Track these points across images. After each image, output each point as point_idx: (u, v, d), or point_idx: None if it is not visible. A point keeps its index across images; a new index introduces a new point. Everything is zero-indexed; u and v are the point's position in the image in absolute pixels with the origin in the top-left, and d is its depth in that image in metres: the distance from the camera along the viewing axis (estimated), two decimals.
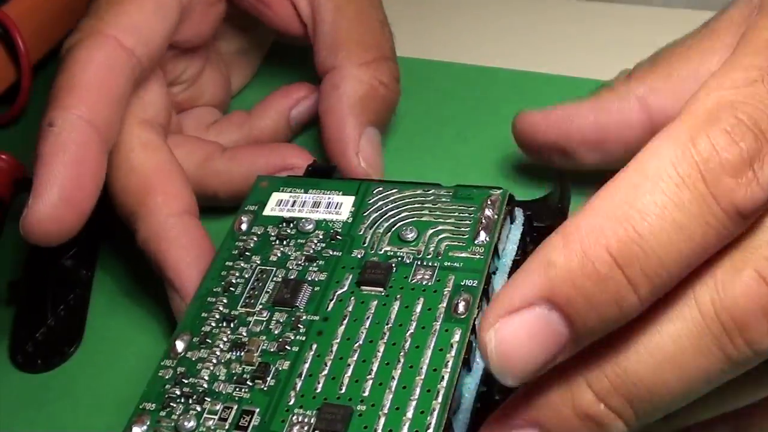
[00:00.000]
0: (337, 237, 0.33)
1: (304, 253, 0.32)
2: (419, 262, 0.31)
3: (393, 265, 0.31)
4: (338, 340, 0.30)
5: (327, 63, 0.40)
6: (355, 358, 0.29)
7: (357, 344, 0.29)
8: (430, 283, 0.30)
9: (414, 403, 0.27)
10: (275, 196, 0.35)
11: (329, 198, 0.34)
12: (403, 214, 0.33)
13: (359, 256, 0.32)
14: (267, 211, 0.34)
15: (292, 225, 0.33)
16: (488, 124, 0.42)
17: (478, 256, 0.31)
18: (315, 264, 0.32)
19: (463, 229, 0.32)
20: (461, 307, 0.29)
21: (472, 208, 0.32)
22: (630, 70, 0.35)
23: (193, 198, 0.36)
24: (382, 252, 0.32)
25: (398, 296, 0.30)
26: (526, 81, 0.43)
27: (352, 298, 0.31)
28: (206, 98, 0.43)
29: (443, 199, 0.33)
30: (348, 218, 0.33)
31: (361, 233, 0.33)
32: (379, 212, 0.33)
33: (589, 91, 0.36)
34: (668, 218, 0.23)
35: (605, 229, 0.23)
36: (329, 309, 0.30)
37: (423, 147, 0.42)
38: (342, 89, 0.39)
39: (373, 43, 0.40)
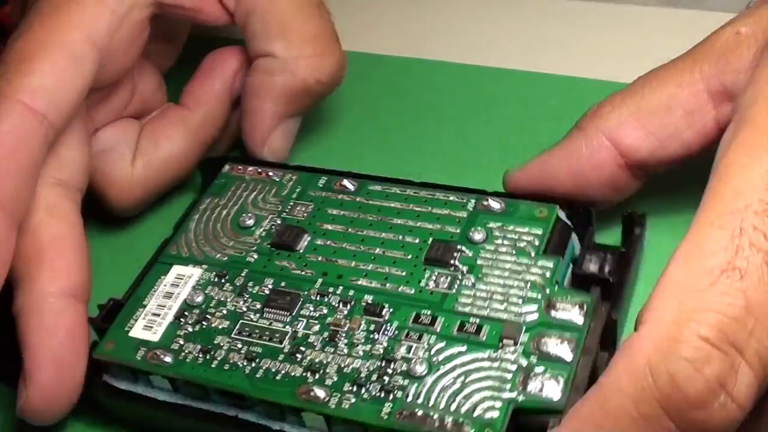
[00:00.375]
0: (222, 274, 0.33)
1: (228, 299, 0.32)
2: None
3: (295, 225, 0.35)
4: (354, 262, 0.33)
5: (262, 49, 0.37)
6: (376, 249, 0.33)
7: (363, 249, 0.33)
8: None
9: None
10: (133, 337, 0.32)
11: (166, 283, 0.33)
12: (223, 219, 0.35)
13: (255, 257, 0.34)
14: (156, 337, 0.32)
15: (186, 313, 0.32)
16: (488, 124, 0.41)
17: None
18: (248, 291, 0.33)
19: None
20: (349, 184, 0.35)
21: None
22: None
23: (85, 278, 0.33)
24: (259, 241, 0.34)
25: (319, 222, 0.34)
26: (526, 81, 0.41)
27: (296, 260, 0.33)
28: (144, 105, 0.40)
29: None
30: (205, 269, 0.34)
31: (226, 259, 0.34)
32: (202, 233, 0.35)
33: (588, 91, 0.36)
34: None
35: None
36: (305, 273, 0.33)
37: (423, 147, 0.40)
38: (274, 79, 0.37)
39: (315, 34, 0.37)
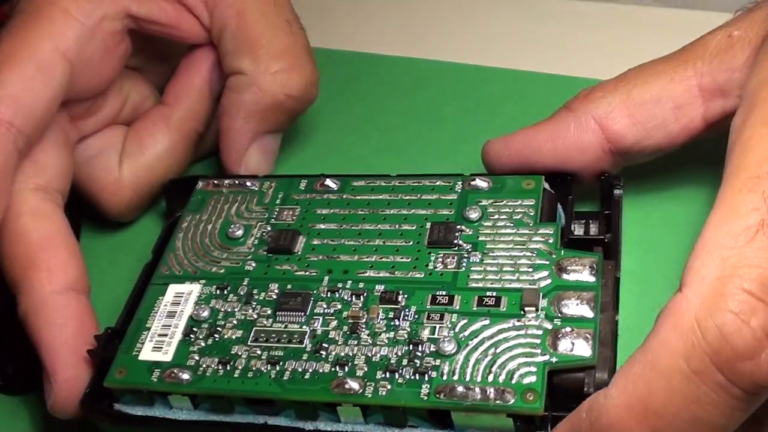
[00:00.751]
0: (224, 285, 0.33)
1: (236, 309, 0.32)
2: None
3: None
4: (357, 256, 0.33)
5: (233, 66, 0.37)
6: (376, 241, 0.33)
7: (363, 242, 0.33)
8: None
9: None
10: (144, 360, 0.31)
11: (165, 303, 0.33)
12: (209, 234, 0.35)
13: (253, 265, 0.33)
14: (169, 357, 0.31)
15: (195, 329, 0.32)
16: (488, 124, 0.40)
17: None
18: (255, 298, 0.32)
19: None
20: (331, 183, 0.35)
21: None
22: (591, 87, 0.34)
23: (81, 271, 0.34)
24: (253, 249, 0.34)
25: (311, 223, 0.34)
26: (526, 81, 0.41)
27: (297, 261, 0.33)
28: (135, 113, 0.40)
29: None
30: (203, 284, 0.33)
31: (223, 271, 0.34)
32: (192, 250, 0.34)
33: None
34: (687, 416, 0.24)
35: (626, 428, 0.25)
36: (310, 273, 0.33)
37: (423, 147, 0.40)
38: (243, 96, 0.36)
39: (283, 49, 0.36)
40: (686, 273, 0.25)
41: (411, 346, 0.30)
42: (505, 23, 0.47)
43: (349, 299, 0.31)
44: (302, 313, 0.31)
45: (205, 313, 0.32)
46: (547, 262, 0.31)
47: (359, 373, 0.29)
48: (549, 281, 0.30)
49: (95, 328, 0.33)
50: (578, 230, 0.34)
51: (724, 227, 0.25)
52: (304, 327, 0.31)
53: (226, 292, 0.33)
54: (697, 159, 0.36)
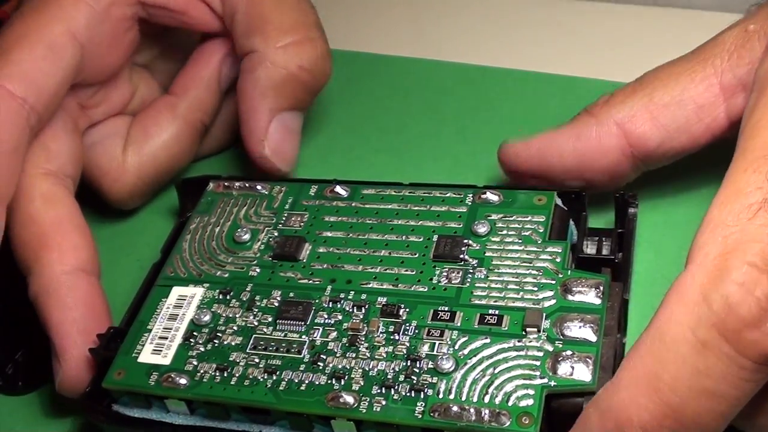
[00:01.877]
0: (226, 291, 0.33)
1: (237, 315, 0.32)
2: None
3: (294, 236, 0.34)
4: (362, 266, 0.32)
5: (245, 47, 0.37)
6: (382, 251, 0.33)
7: (368, 252, 0.33)
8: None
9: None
10: (143, 362, 0.31)
11: (168, 305, 0.33)
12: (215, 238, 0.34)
13: (257, 270, 0.33)
14: (168, 361, 0.31)
15: (195, 333, 0.32)
16: (488, 124, 0.41)
17: None
18: (257, 305, 0.32)
19: None
20: (341, 191, 0.35)
21: None
22: (610, 92, 0.34)
23: (92, 253, 0.35)
24: (258, 254, 0.34)
25: (318, 230, 0.34)
26: (526, 81, 0.41)
27: (301, 269, 0.33)
28: (143, 106, 0.40)
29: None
30: (207, 288, 0.33)
31: (227, 275, 0.33)
32: (198, 252, 0.34)
33: (588, 91, 0.36)
34: (697, 388, 0.24)
35: (637, 405, 0.24)
36: (313, 282, 0.32)
37: (423, 147, 0.40)
38: (256, 74, 0.36)
39: (293, 24, 0.37)
40: (691, 250, 0.26)
41: (409, 361, 0.29)
42: (506, 23, 0.47)
43: (351, 310, 0.31)
44: (302, 323, 0.31)
45: (207, 318, 0.32)
46: (553, 282, 0.30)
47: (355, 387, 0.29)
48: (553, 302, 0.30)
49: (106, 309, 0.34)
50: (590, 248, 0.33)
51: (728, 206, 0.25)
52: (303, 337, 0.31)
53: (228, 297, 0.33)
54: (703, 159, 0.35)
